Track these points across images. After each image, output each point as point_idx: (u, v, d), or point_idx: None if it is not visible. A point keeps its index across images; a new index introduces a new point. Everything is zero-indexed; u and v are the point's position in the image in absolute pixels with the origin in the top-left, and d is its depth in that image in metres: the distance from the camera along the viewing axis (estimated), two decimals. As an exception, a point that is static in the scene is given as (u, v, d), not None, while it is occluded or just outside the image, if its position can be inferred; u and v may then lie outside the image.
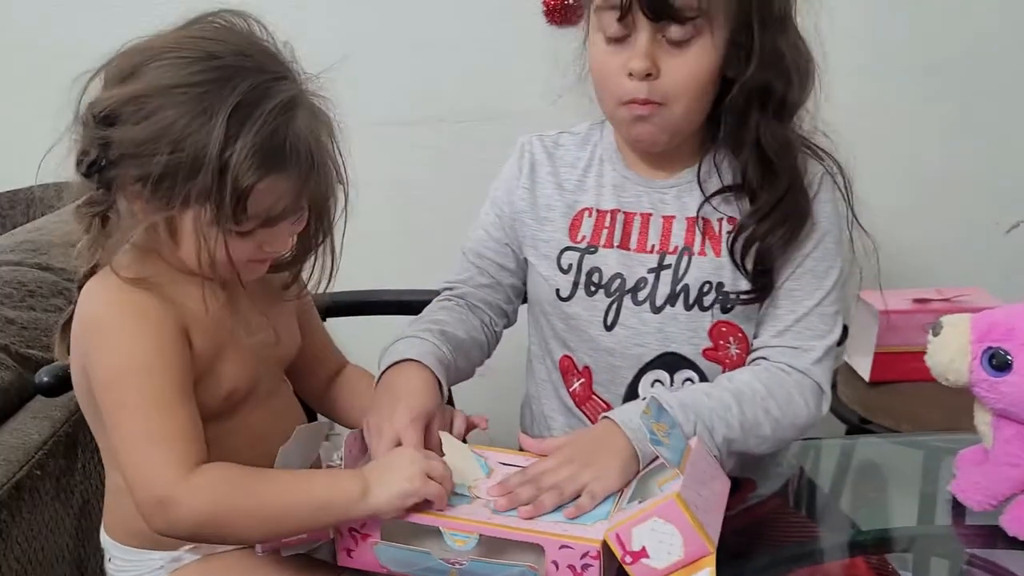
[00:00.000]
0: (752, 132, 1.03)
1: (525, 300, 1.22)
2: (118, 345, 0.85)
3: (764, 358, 1.09)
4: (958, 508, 1.00)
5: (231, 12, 0.87)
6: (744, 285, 1.07)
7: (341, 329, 1.21)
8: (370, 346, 1.07)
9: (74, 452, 1.15)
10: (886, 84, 1.87)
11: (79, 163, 0.84)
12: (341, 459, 0.94)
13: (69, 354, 0.92)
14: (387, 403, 0.95)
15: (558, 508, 0.89)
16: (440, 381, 1.00)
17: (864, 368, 1.75)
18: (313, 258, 0.96)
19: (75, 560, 1.13)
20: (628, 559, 0.83)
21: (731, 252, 1.06)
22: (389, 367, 1.00)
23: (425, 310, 1.15)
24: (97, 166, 0.83)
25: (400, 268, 1.51)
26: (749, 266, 1.06)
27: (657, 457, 0.90)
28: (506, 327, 1.22)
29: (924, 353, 0.98)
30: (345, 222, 0.94)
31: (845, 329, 1.40)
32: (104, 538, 0.97)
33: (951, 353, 0.95)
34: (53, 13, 1.82)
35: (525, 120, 1.21)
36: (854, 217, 1.10)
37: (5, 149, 1.84)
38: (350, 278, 1.28)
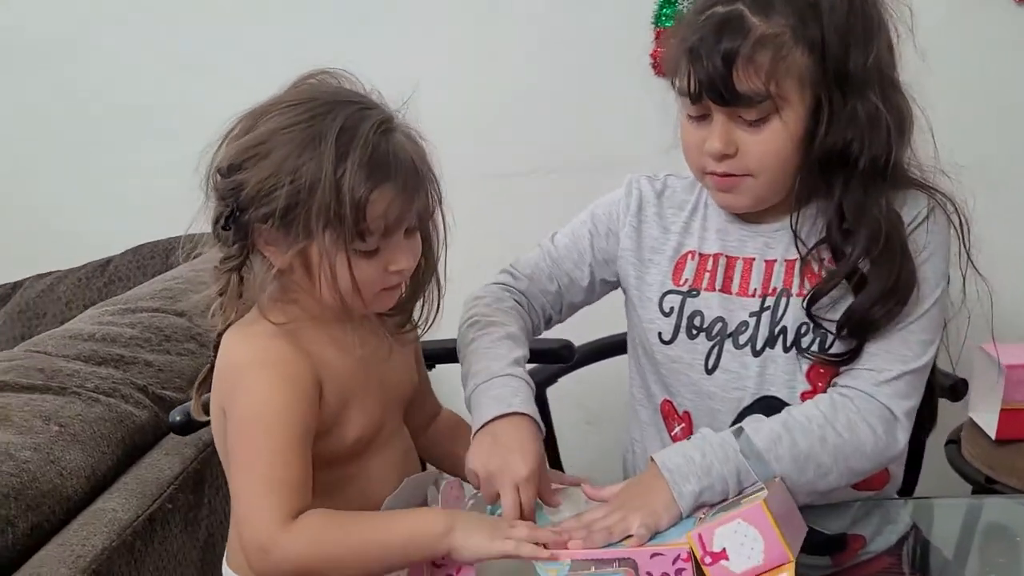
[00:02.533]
0: (835, 196, 1.03)
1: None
2: (256, 391, 0.90)
3: (836, 383, 1.05)
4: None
5: (322, 71, 0.96)
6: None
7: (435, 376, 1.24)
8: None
9: (201, 488, 1.22)
10: (1006, 117, 1.80)
11: (214, 225, 0.91)
12: (439, 502, 0.97)
13: (203, 410, 0.99)
14: (498, 453, 0.97)
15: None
16: (542, 431, 1.02)
17: (990, 425, 1.67)
18: (422, 298, 1.01)
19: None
20: (707, 559, 0.84)
21: (811, 314, 1.05)
22: (497, 417, 1.00)
23: (491, 300, 1.16)
24: (232, 216, 0.90)
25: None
26: (845, 334, 1.04)
27: (720, 497, 0.93)
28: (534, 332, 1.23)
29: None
30: (447, 256, 0.99)
31: (965, 383, 1.37)
32: (226, 569, 1.01)
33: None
34: (185, 83, 1.95)
35: (634, 170, 1.22)
36: (969, 259, 1.06)
37: (147, 204, 1.99)
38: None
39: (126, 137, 1.98)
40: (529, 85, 1.86)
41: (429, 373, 1.15)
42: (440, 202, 0.96)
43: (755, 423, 1.01)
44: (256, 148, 0.89)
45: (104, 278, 1.83)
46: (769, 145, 1.01)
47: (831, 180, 1.03)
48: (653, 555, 0.86)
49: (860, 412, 1.02)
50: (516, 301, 1.18)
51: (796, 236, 1.06)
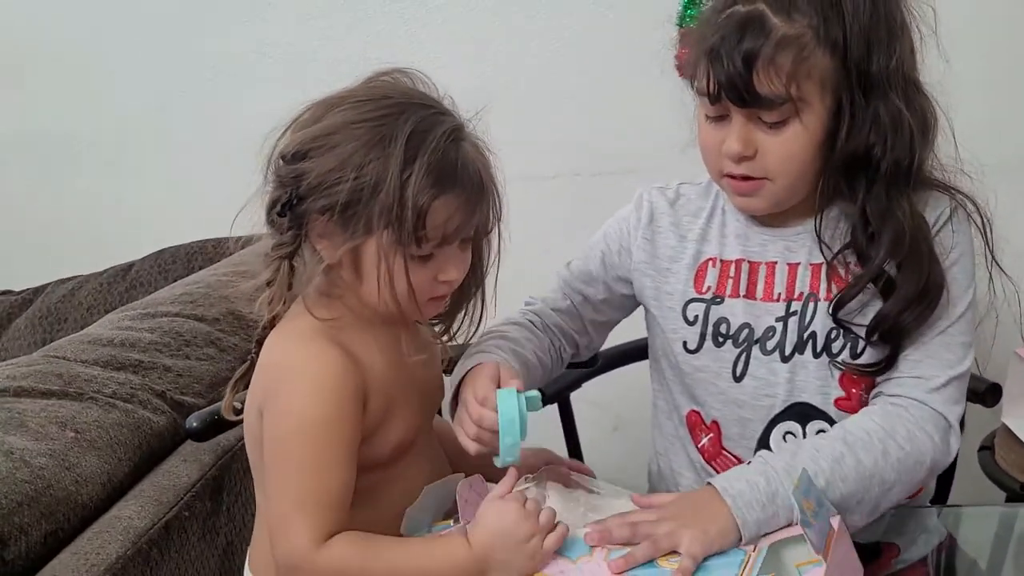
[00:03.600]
0: (858, 199, 1.00)
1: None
2: (298, 399, 0.89)
3: (881, 393, 1.03)
4: None
5: (396, 69, 0.95)
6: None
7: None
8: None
9: (220, 495, 1.21)
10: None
11: (270, 210, 0.90)
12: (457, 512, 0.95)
13: (235, 410, 0.98)
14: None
15: (651, 562, 0.87)
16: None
17: (1025, 431, 1.63)
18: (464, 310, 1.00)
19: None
20: None
21: (836, 320, 1.02)
22: (464, 377, 0.98)
23: (494, 325, 1.12)
24: (289, 203, 0.89)
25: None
26: (875, 341, 1.01)
27: (784, 523, 0.88)
28: (573, 357, 1.21)
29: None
30: (498, 268, 0.99)
31: (999, 388, 1.33)
32: (247, 573, 1.01)
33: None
34: (211, 89, 1.94)
35: (660, 173, 1.20)
36: (993, 259, 1.04)
37: (170, 208, 1.98)
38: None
39: (150, 142, 1.98)
40: (552, 88, 1.84)
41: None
42: (499, 218, 0.95)
43: (814, 445, 0.97)
44: (324, 139, 0.88)
45: (126, 283, 1.83)
46: (789, 148, 0.99)
47: (854, 184, 1.00)
48: None
49: (917, 421, 0.99)
50: (527, 322, 1.16)
51: (820, 240, 1.04)
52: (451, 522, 0.95)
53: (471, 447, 0.94)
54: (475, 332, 1.01)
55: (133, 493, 1.11)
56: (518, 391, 0.92)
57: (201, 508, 1.15)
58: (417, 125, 0.87)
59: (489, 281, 0.99)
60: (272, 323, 0.94)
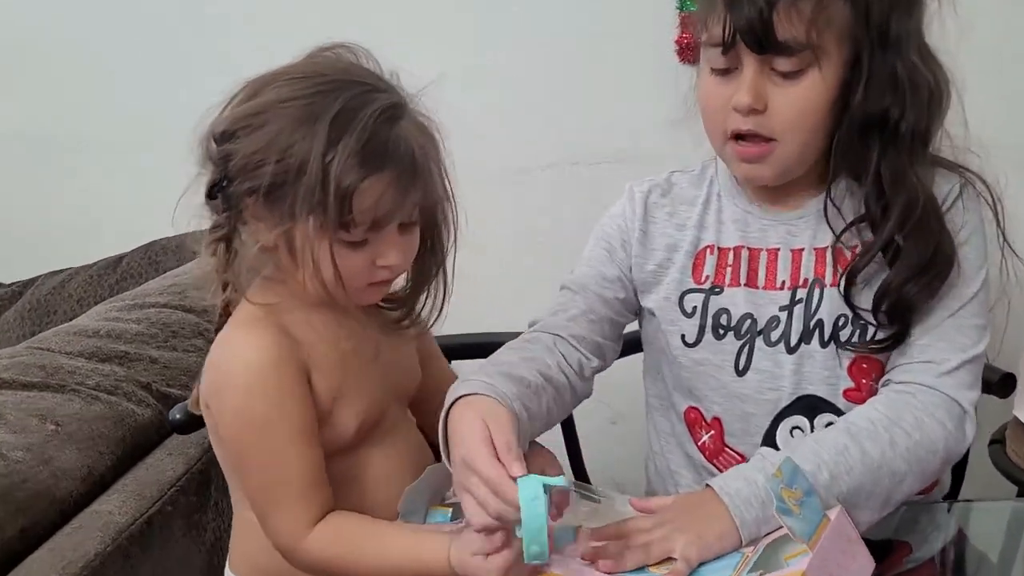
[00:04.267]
0: (872, 164, 0.96)
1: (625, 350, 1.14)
2: (236, 398, 0.87)
3: (889, 381, 0.99)
4: None
5: (340, 44, 0.91)
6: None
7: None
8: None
9: (207, 489, 1.18)
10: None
11: (207, 191, 0.88)
12: (454, 494, 0.91)
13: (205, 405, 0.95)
14: (456, 442, 0.85)
15: (643, 568, 0.84)
16: (511, 410, 0.88)
17: (1037, 424, 1.59)
18: (426, 292, 0.96)
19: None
20: None
21: (847, 296, 0.98)
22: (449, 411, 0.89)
23: (502, 350, 1.01)
24: (219, 185, 0.86)
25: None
26: (883, 318, 0.97)
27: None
28: (599, 370, 1.08)
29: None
30: (455, 255, 0.94)
31: (1013, 378, 1.29)
32: (228, 573, 0.98)
33: None
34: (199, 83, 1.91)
35: (660, 162, 1.16)
36: (1005, 241, 1.01)
37: (161, 201, 1.96)
38: (483, 318, 1.28)
39: (140, 135, 1.95)
40: (547, 77, 1.81)
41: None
42: (449, 198, 0.91)
43: (815, 439, 0.93)
44: (252, 118, 0.85)
45: (116, 275, 1.80)
46: (802, 100, 0.95)
47: (868, 147, 0.96)
48: None
49: (925, 408, 0.95)
50: (526, 343, 1.03)
51: (835, 207, 0.99)
52: (449, 510, 0.93)
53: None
54: (439, 314, 0.97)
55: (115, 488, 1.08)
56: (544, 487, 0.79)
57: (186, 503, 1.12)
58: (347, 103, 0.83)
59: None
60: (227, 311, 0.92)
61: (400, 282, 0.97)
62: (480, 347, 1.35)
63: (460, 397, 0.88)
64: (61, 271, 1.87)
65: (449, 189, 0.91)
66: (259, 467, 0.88)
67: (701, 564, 0.85)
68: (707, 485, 0.90)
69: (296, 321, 0.89)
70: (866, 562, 0.86)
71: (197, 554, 1.14)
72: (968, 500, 1.17)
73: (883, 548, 0.96)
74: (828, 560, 0.79)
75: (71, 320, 1.42)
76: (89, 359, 1.23)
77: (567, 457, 1.37)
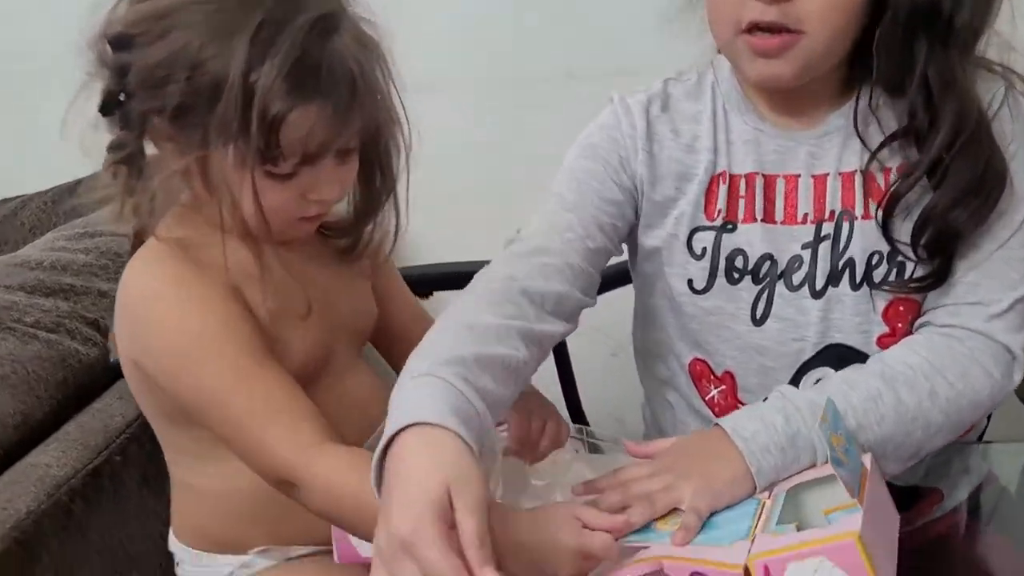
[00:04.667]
0: (919, 66, 0.84)
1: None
2: (169, 328, 0.77)
3: (929, 323, 0.88)
4: None
5: None
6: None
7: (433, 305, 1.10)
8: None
9: (165, 436, 1.07)
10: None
11: (101, 106, 0.76)
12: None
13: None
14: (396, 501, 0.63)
15: (648, 527, 0.74)
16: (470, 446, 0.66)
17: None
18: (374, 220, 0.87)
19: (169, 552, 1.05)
20: None
21: (885, 227, 0.87)
22: (394, 438, 0.66)
23: (466, 296, 0.83)
24: (115, 100, 0.74)
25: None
26: (923, 252, 0.87)
27: (806, 466, 0.76)
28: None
29: None
30: (408, 176, 0.84)
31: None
32: (172, 542, 0.90)
33: None
34: None
35: (655, 78, 1.04)
36: None
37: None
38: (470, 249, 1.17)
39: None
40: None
41: (427, 301, 1.02)
42: (398, 119, 0.80)
43: (844, 379, 0.83)
44: (154, 22, 0.73)
45: (72, 202, 1.67)
46: None
47: (913, 46, 0.84)
48: (693, 573, 0.68)
49: (972, 355, 0.85)
50: (521, 279, 0.85)
51: (873, 114, 0.87)
52: None
53: None
54: (393, 246, 0.88)
55: (55, 436, 0.98)
56: None
57: (139, 453, 1.02)
58: (271, 13, 0.72)
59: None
60: (141, 239, 0.81)
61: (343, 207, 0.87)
62: (466, 277, 1.24)
63: (409, 426, 0.65)
64: (12, 199, 1.75)
65: (397, 109, 0.80)
66: (234, 393, 0.75)
67: (713, 514, 0.75)
68: (716, 425, 0.80)
69: (215, 257, 0.78)
70: (893, 513, 0.77)
71: (157, 506, 1.04)
72: (993, 441, 1.08)
73: (910, 495, 0.89)
74: (873, 515, 0.70)
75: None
76: (30, 293, 1.12)
77: (562, 398, 1.28)
